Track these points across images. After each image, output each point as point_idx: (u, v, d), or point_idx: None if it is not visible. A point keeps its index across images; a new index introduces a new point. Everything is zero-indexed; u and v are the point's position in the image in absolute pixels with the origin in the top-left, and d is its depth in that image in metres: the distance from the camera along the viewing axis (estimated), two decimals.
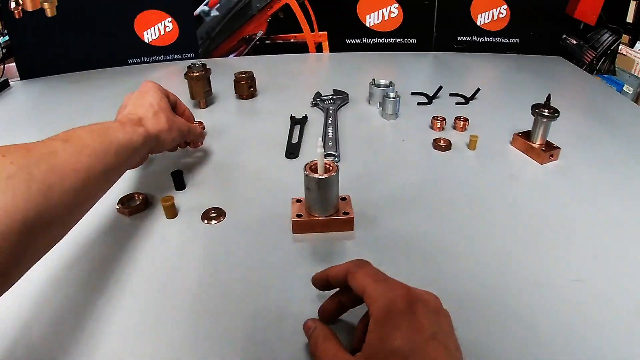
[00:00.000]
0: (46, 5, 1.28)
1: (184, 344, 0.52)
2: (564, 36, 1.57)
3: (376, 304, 0.42)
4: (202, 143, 0.92)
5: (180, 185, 0.79)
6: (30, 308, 0.56)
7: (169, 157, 0.87)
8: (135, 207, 0.73)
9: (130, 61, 1.47)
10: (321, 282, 0.52)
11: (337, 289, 0.52)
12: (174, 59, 1.50)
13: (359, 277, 0.46)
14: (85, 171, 0.52)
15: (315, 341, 0.47)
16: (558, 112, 0.86)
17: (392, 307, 0.41)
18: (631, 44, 2.39)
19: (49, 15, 1.30)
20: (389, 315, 0.41)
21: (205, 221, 0.71)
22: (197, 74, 1.06)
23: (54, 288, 0.59)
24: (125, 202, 0.75)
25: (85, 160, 0.53)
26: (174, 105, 0.82)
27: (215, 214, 0.72)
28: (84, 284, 0.60)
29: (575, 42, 1.55)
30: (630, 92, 2.26)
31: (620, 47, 1.64)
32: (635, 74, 2.28)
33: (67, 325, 0.53)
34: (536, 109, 0.87)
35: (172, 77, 1.37)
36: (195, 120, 0.92)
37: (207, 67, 1.09)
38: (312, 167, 0.64)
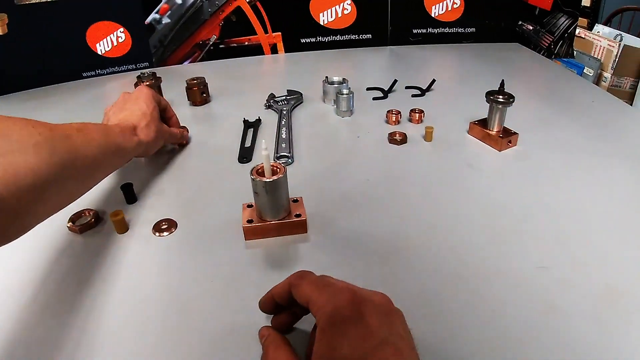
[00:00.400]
0: None
1: (138, 358, 0.50)
2: (520, 22, 1.57)
3: (321, 312, 0.40)
4: (186, 142, 0.96)
5: (131, 198, 0.77)
6: None
7: (119, 170, 0.84)
8: (86, 224, 0.71)
9: (84, 74, 1.43)
10: (268, 304, 0.50)
11: None
12: (128, 70, 1.47)
13: (302, 289, 0.44)
14: (92, 158, 0.61)
15: (267, 350, 0.46)
16: (513, 97, 0.85)
17: (338, 314, 0.39)
18: (589, 27, 2.42)
19: (0, 34, 1.26)
20: (335, 323, 0.39)
21: (157, 233, 0.69)
22: (147, 83, 1.04)
23: (4, 311, 0.56)
24: (76, 220, 0.72)
25: (94, 150, 0.61)
26: (164, 110, 0.90)
27: (166, 226, 0.70)
28: (36, 305, 0.57)
29: (531, 27, 1.56)
30: (590, 74, 2.29)
31: (577, 30, 1.65)
32: (595, 56, 2.31)
33: (18, 347, 0.52)
34: (490, 95, 0.87)
35: (126, 88, 1.34)
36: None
37: (158, 75, 1.07)
38: (258, 171, 0.63)
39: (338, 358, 0.37)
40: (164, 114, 0.90)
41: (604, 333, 0.50)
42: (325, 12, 1.52)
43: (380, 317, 0.40)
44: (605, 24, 2.50)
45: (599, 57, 2.28)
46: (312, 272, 0.47)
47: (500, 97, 0.86)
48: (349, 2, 1.51)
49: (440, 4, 1.53)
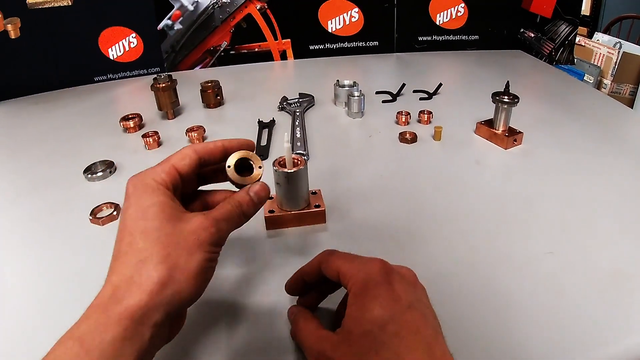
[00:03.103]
0: (10, 27, 1.27)
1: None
2: (522, 30, 1.60)
3: (353, 280, 0.43)
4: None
5: None
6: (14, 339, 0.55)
7: (138, 166, 0.87)
8: (109, 216, 0.73)
9: (96, 79, 1.46)
10: (296, 284, 0.52)
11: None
12: (140, 74, 1.50)
13: (332, 263, 0.46)
14: None
15: (297, 322, 0.48)
16: (517, 97, 0.89)
17: (369, 279, 0.42)
18: (589, 35, 2.46)
19: (13, 37, 1.29)
20: (366, 287, 0.41)
21: None
22: (163, 84, 1.07)
23: (41, 305, 0.58)
24: (97, 213, 0.75)
25: None
26: (201, 162, 0.49)
27: None
28: (65, 298, 0.59)
29: (533, 35, 1.59)
30: (591, 81, 2.32)
31: (578, 38, 1.68)
32: (595, 64, 2.34)
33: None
34: (496, 96, 0.90)
35: (138, 92, 1.37)
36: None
37: (173, 78, 1.10)
38: (280, 163, 0.66)
39: (370, 318, 0.39)
40: (202, 167, 0.50)
41: (611, 314, 0.53)
42: (333, 20, 1.56)
43: (407, 286, 0.42)
44: (605, 32, 2.54)
45: (598, 65, 2.31)
46: (338, 250, 0.49)
47: (506, 97, 0.89)
48: (357, 10, 1.55)
49: (445, 12, 1.57)
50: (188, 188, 0.50)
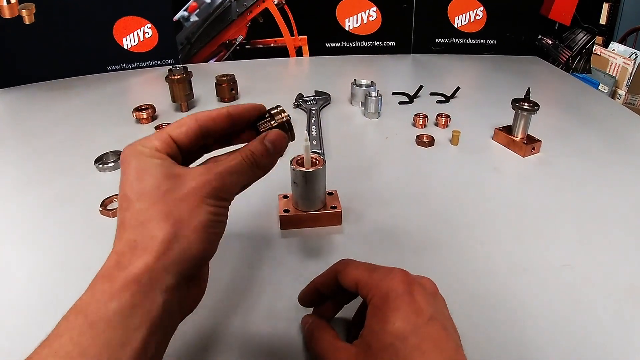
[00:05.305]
0: (24, 12, 1.27)
1: (176, 345, 0.50)
2: (540, 36, 1.59)
3: (374, 291, 0.42)
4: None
5: None
6: (20, 329, 0.54)
7: None
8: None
9: (109, 68, 1.46)
10: (310, 295, 0.51)
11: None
12: (153, 65, 1.49)
13: (350, 273, 0.45)
14: None
15: (311, 333, 0.47)
16: (538, 105, 0.88)
17: (390, 291, 0.41)
18: (605, 45, 2.45)
19: (27, 23, 1.28)
20: (387, 299, 0.40)
21: None
22: (178, 76, 1.06)
23: (48, 296, 0.58)
24: (108, 205, 0.74)
25: None
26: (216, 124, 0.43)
27: None
28: (73, 290, 0.57)
29: (550, 42, 1.58)
30: (605, 91, 2.31)
31: (594, 47, 1.67)
32: (610, 73, 2.33)
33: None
34: (516, 102, 0.89)
35: (152, 82, 1.36)
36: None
37: (188, 70, 1.09)
38: (298, 162, 0.65)
39: (391, 331, 0.38)
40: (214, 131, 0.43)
41: (627, 328, 0.52)
42: (351, 18, 1.55)
43: (428, 298, 0.41)
44: (621, 42, 2.52)
45: (614, 74, 2.30)
46: (355, 260, 0.48)
47: (526, 104, 0.88)
48: (375, 9, 1.54)
49: (464, 15, 1.56)
50: (191, 162, 0.46)
